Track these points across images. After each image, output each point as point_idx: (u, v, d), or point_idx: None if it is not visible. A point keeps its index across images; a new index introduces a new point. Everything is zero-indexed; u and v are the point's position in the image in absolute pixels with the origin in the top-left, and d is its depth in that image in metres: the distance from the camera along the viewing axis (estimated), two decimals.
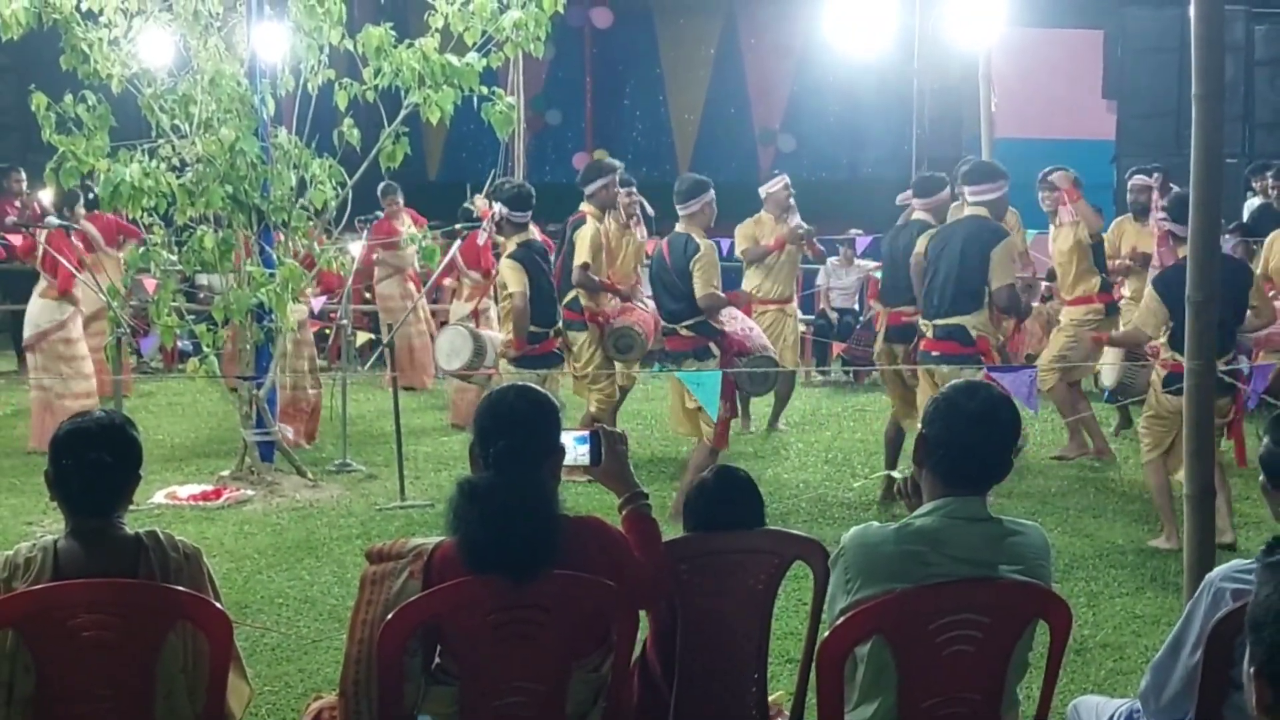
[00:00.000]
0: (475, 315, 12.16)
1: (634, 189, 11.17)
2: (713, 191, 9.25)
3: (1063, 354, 10.59)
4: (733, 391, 9.20)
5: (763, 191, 11.57)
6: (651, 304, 10.23)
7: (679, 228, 9.16)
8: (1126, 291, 11.25)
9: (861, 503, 9.52)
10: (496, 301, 10.34)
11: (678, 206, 9.21)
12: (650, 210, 11.50)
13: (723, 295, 9.16)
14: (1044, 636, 3.83)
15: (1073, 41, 18.59)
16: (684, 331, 9.05)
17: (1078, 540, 8.52)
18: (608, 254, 10.53)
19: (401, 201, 14.38)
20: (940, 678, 3.69)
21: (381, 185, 13.77)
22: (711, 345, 9.03)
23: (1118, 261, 11.17)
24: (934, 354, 8.64)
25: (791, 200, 11.44)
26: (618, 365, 10.37)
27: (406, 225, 14.03)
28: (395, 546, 3.89)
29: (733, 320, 9.18)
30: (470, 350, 9.56)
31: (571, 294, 10.21)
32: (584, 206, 10.34)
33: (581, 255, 9.97)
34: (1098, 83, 18.33)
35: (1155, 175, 10.44)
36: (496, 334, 10.33)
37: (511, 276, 9.54)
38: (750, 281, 11.67)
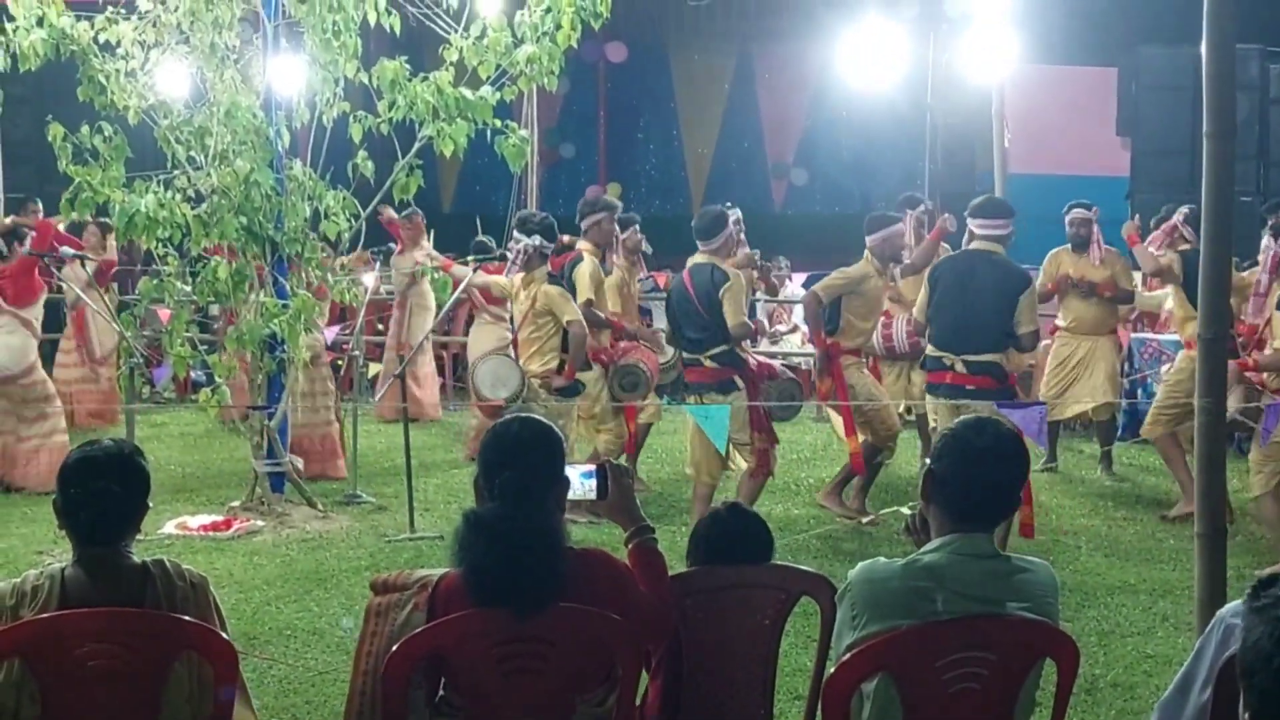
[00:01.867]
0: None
1: (637, 227, 11.16)
2: (732, 224, 9.26)
3: (1173, 399, 10.02)
4: (767, 421, 9.19)
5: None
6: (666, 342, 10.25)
7: (699, 259, 9.16)
8: (1061, 320, 11.33)
9: (870, 539, 9.50)
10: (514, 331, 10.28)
11: (699, 242, 9.22)
12: (648, 249, 11.49)
13: (751, 324, 9.20)
14: (1052, 675, 3.81)
15: (1086, 79, 18.60)
16: (707, 363, 9.04)
17: (1088, 578, 8.49)
18: (623, 294, 10.52)
19: (423, 223, 14.35)
20: (946, 716, 3.67)
21: (407, 211, 13.74)
22: (736, 378, 9.03)
23: (1049, 286, 11.10)
24: (968, 388, 8.61)
25: (742, 235, 11.28)
26: (634, 400, 10.32)
27: (425, 250, 14.03)
28: (400, 578, 3.89)
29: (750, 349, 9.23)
30: (518, 380, 9.48)
31: None
32: (580, 244, 10.31)
33: (583, 293, 9.92)
34: (1111, 119, 18.32)
35: (1180, 214, 10.39)
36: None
37: (567, 305, 9.54)
38: None
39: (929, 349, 8.91)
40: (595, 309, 10.01)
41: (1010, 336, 8.67)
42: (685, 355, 9.29)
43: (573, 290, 9.90)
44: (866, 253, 9.86)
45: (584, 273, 9.99)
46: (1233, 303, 9.89)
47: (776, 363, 9.49)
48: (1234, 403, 9.37)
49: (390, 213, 13.78)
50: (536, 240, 9.60)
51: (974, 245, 8.90)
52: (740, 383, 9.07)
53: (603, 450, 10.07)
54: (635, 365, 10.06)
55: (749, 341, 9.72)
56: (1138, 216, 10.53)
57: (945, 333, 8.79)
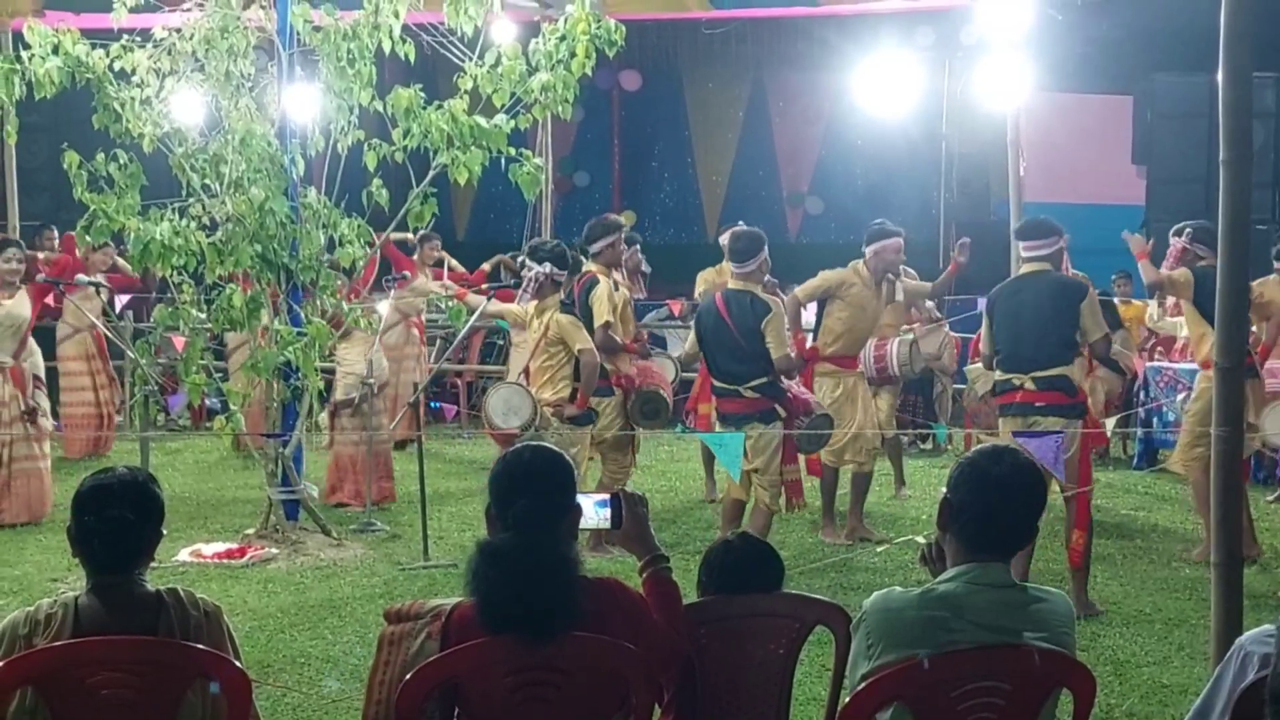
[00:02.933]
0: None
1: (638, 248, 11.16)
2: (766, 246, 9.25)
3: (1203, 425, 9.01)
4: (795, 452, 9.20)
5: (723, 240, 11.02)
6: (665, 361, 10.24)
7: (734, 286, 9.14)
8: None
9: (885, 568, 9.47)
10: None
11: (733, 264, 9.21)
12: (647, 269, 11.46)
13: (794, 356, 9.20)
14: (1068, 705, 3.79)
15: (1102, 107, 18.60)
16: (747, 393, 9.02)
17: (1104, 607, 8.45)
18: (623, 316, 10.49)
19: (438, 246, 14.34)
20: None
21: (420, 233, 13.76)
22: (777, 407, 9.01)
23: None
24: (1038, 405, 8.52)
25: (644, 266, 11.33)
26: (654, 426, 10.28)
27: (429, 275, 14.03)
28: (414, 607, 3.88)
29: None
30: (530, 409, 9.48)
31: None
32: (591, 266, 10.23)
33: (602, 316, 9.86)
34: (1127, 148, 18.31)
35: (1186, 234, 10.33)
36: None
37: (579, 334, 9.52)
38: None
39: (997, 374, 8.79)
40: (612, 332, 9.98)
41: (1074, 348, 8.57)
42: (720, 385, 9.24)
43: (589, 314, 9.87)
44: (859, 261, 10.12)
45: (601, 295, 9.93)
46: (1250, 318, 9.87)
47: (811, 396, 9.44)
48: (1274, 426, 9.33)
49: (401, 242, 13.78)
50: (547, 268, 9.59)
51: (1024, 269, 8.81)
52: (782, 412, 9.06)
53: (607, 480, 10.02)
54: (657, 392, 10.04)
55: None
56: (1152, 239, 10.42)
57: (1010, 355, 8.66)
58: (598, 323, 9.81)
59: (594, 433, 9.86)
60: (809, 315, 11.04)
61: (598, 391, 9.85)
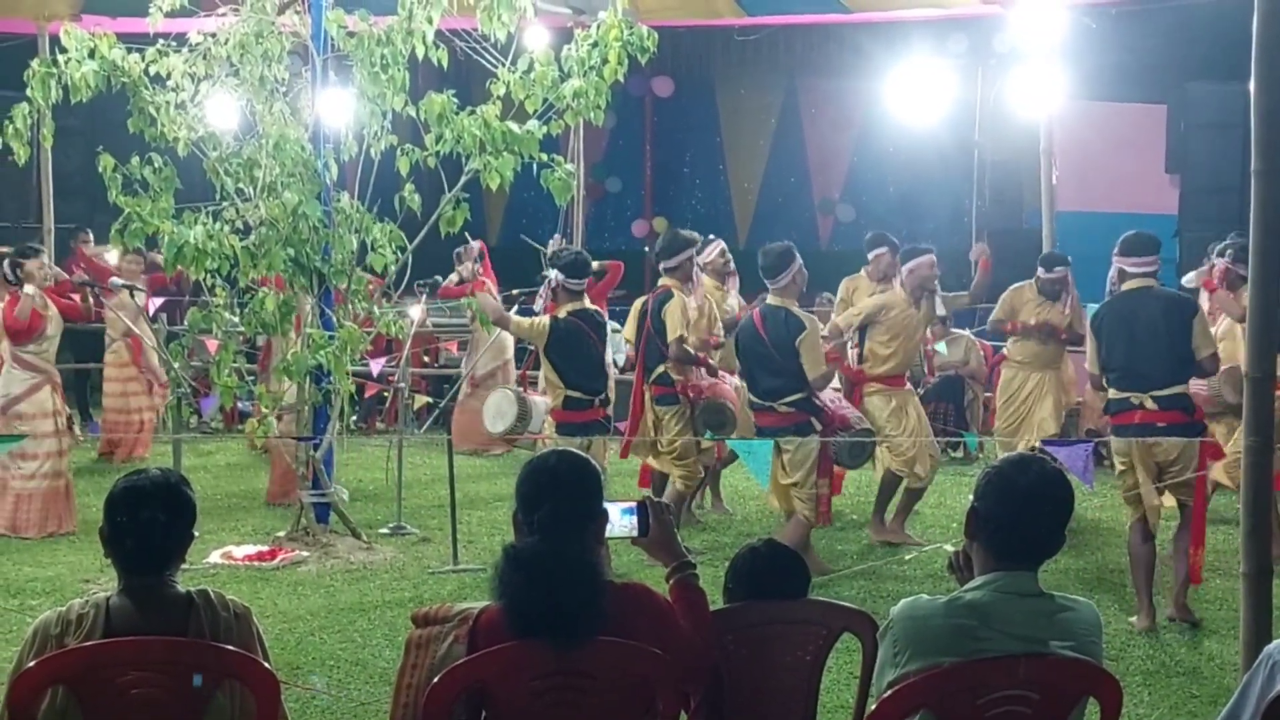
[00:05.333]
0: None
1: (723, 247, 11.16)
2: (800, 259, 9.27)
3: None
4: (831, 466, 9.24)
5: (700, 260, 10.78)
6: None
7: (770, 300, 9.18)
8: (1014, 354, 11.09)
9: (914, 576, 9.45)
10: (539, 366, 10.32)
11: (766, 281, 9.25)
12: (732, 269, 11.40)
13: (829, 374, 9.27)
14: (1095, 714, 3.79)
15: (1135, 115, 18.51)
16: (782, 408, 9.07)
17: (1135, 617, 8.42)
18: (701, 323, 10.44)
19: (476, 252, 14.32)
20: None
21: (459, 250, 13.81)
22: (812, 420, 9.05)
23: (1008, 325, 10.94)
24: (1160, 425, 8.39)
25: (731, 265, 11.29)
26: (721, 438, 10.26)
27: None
28: (441, 611, 3.91)
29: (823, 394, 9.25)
30: (514, 414, 9.53)
31: (660, 368, 10.06)
32: (666, 280, 10.15)
33: (676, 329, 9.81)
34: (1160, 157, 18.23)
35: (1229, 254, 10.24)
36: (544, 399, 10.33)
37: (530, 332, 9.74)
38: None
39: (1111, 393, 8.71)
40: (686, 345, 9.94)
41: (1190, 365, 8.45)
42: (756, 400, 9.29)
43: (663, 327, 9.88)
44: (895, 281, 10.38)
45: (675, 310, 9.89)
46: None
47: (850, 412, 9.46)
48: None
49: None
50: (561, 276, 9.61)
51: (1129, 285, 8.71)
52: (818, 426, 9.09)
53: (680, 489, 10.07)
54: (724, 404, 10.01)
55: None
56: (1215, 264, 10.31)
57: (1126, 374, 8.55)
58: (671, 336, 9.81)
59: (661, 441, 9.93)
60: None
61: (662, 400, 9.96)
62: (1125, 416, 8.56)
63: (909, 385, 10.70)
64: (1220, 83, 16.97)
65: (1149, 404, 8.40)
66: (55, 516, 10.49)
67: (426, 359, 15.55)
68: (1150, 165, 18.20)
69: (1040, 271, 10.72)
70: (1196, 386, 8.73)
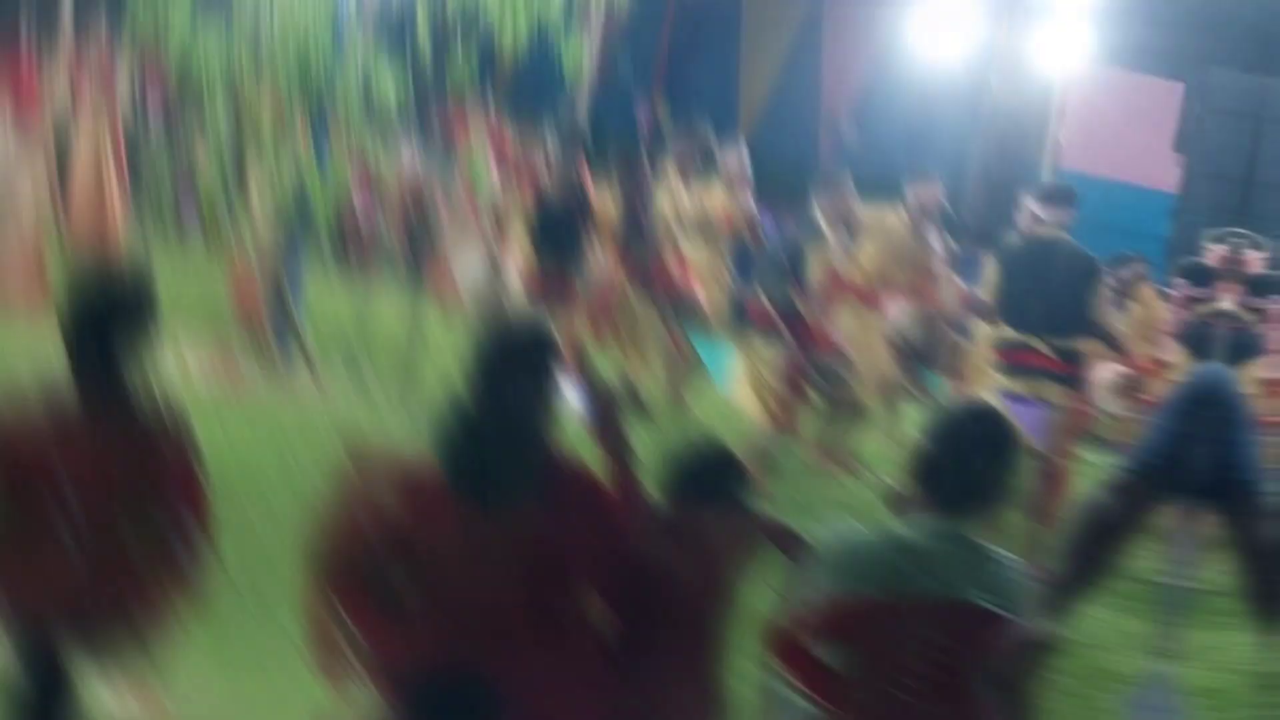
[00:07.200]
0: None
1: None
2: None
3: None
4: None
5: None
6: None
7: None
8: None
9: (852, 504, 9.43)
10: None
11: None
12: None
13: None
14: None
15: (1151, 89, 18.38)
16: None
17: None
18: None
19: None
20: (897, 693, 3.68)
21: None
22: None
23: None
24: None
25: None
26: None
27: None
28: (380, 453, 3.92)
29: None
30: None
31: None
32: None
33: None
34: (1170, 134, 18.13)
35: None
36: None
37: None
38: None
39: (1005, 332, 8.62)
40: None
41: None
42: None
43: None
44: None
45: None
46: None
47: None
48: None
49: None
50: None
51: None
52: None
53: None
54: None
55: None
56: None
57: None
58: None
59: None
60: None
61: None
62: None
63: None
64: (1243, 70, 16.87)
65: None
66: None
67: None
68: (1158, 140, 18.10)
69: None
70: None
